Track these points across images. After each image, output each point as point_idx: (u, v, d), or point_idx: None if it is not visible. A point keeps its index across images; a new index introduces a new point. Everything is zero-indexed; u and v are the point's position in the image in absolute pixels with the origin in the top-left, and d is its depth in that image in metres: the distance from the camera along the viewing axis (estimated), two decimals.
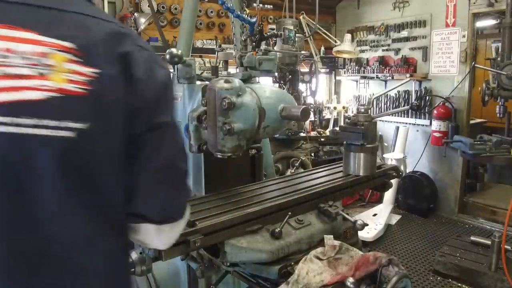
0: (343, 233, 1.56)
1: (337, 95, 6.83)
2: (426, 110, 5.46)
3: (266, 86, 1.54)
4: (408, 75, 5.42)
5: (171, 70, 1.88)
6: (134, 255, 1.23)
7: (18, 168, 0.78)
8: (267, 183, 1.71)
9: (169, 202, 0.97)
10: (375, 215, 5.13)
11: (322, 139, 5.05)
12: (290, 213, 1.37)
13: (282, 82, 4.32)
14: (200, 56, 5.01)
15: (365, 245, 4.31)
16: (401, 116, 5.85)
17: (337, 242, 1.27)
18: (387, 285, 1.15)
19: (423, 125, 5.59)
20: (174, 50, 1.46)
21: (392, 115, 5.92)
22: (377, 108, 6.13)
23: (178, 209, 0.99)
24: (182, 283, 1.80)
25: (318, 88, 4.99)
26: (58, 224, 0.82)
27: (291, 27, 4.06)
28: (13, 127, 0.76)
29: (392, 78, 5.72)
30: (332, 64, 6.26)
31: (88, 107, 0.81)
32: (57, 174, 0.80)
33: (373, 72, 6.01)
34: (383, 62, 5.99)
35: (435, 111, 5.17)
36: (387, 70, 5.81)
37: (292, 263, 1.25)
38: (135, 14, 4.58)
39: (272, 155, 2.45)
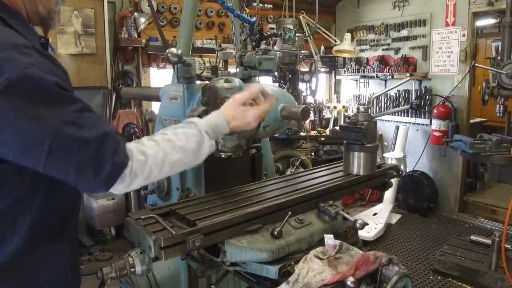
0: (343, 233, 1.56)
1: (337, 94, 6.83)
2: (426, 110, 5.46)
3: (266, 85, 1.54)
4: (408, 74, 5.42)
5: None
6: (134, 255, 1.23)
7: None
8: (267, 182, 1.70)
9: None
10: (375, 214, 5.13)
11: (322, 139, 5.05)
12: (290, 212, 1.36)
13: (282, 81, 4.32)
14: (200, 56, 5.01)
15: (365, 245, 4.31)
16: (401, 116, 5.85)
17: (337, 242, 1.27)
18: (387, 284, 1.15)
19: (423, 124, 5.60)
20: (174, 49, 1.46)
21: (392, 115, 5.93)
22: (377, 108, 6.13)
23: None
24: (182, 282, 1.80)
25: (318, 88, 4.99)
26: None
27: (291, 27, 4.04)
28: None
29: (392, 77, 5.73)
30: (332, 64, 6.25)
31: None
32: None
33: (373, 72, 6.01)
34: (383, 61, 5.99)
35: (435, 110, 5.17)
36: (387, 70, 5.81)
37: (292, 262, 1.25)
38: (135, 13, 4.58)
39: (272, 154, 2.45)
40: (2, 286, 1.10)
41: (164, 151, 1.11)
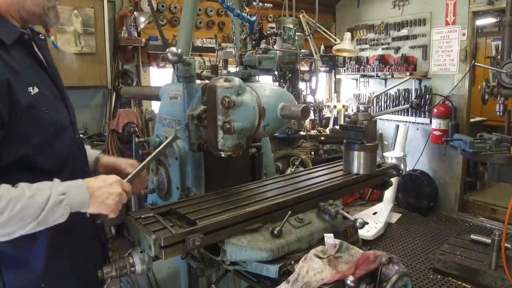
0: (343, 232, 1.56)
1: (337, 93, 6.83)
2: (426, 109, 5.46)
3: (266, 85, 1.54)
4: (408, 73, 5.42)
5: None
6: (134, 255, 1.23)
7: None
8: (267, 182, 1.71)
9: None
10: (375, 213, 5.13)
11: (322, 138, 5.05)
12: (290, 211, 1.37)
13: (282, 80, 4.32)
14: (200, 55, 5.01)
15: (365, 244, 4.31)
16: (401, 115, 5.85)
17: (337, 241, 1.27)
18: (387, 283, 1.15)
19: (423, 123, 5.59)
20: (173, 49, 1.46)
21: (392, 114, 5.92)
22: (377, 107, 6.13)
23: None
24: (182, 282, 1.80)
25: (318, 87, 4.99)
26: None
27: (291, 26, 4.04)
28: None
29: (392, 76, 5.73)
30: (332, 63, 6.26)
31: None
32: None
33: (373, 71, 6.00)
34: (383, 60, 5.99)
35: (435, 110, 5.16)
36: (387, 69, 5.80)
37: (292, 261, 1.25)
38: (135, 13, 4.57)
39: (272, 154, 2.45)
40: None
41: (8, 200, 1.04)
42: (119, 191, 1.21)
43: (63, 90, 1.41)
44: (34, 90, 1.21)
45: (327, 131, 5.38)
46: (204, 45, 5.08)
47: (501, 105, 3.80)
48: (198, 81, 1.70)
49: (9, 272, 1.21)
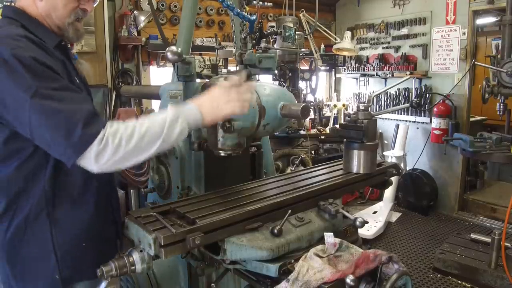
0: (343, 231, 1.56)
1: (337, 92, 6.83)
2: (426, 108, 5.46)
3: (266, 84, 1.54)
4: (408, 72, 5.41)
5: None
6: (134, 254, 1.24)
7: None
8: (267, 181, 1.71)
9: None
10: (375, 212, 5.13)
11: (322, 137, 5.05)
12: (290, 210, 1.37)
13: (282, 79, 4.32)
14: (200, 54, 5.00)
15: (365, 243, 4.31)
16: (401, 114, 5.85)
17: (337, 240, 1.27)
18: (387, 282, 1.16)
19: (423, 122, 5.59)
20: (173, 48, 1.46)
21: (392, 113, 5.92)
22: (377, 106, 6.13)
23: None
24: (183, 281, 1.81)
25: (318, 86, 4.99)
26: None
27: (291, 25, 4.05)
28: None
29: (392, 75, 5.72)
30: (332, 62, 6.25)
31: None
32: None
33: (373, 70, 6.00)
34: (383, 59, 5.98)
35: (435, 109, 5.16)
36: (387, 68, 5.80)
37: (292, 260, 1.26)
38: (135, 12, 4.57)
39: (272, 153, 2.45)
40: (23, 244, 1.30)
41: (134, 125, 1.22)
42: (230, 95, 1.30)
43: (89, 88, 1.60)
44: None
45: (327, 130, 5.39)
46: (204, 44, 5.08)
47: (501, 104, 3.80)
48: (198, 80, 1.70)
49: (58, 230, 1.33)
